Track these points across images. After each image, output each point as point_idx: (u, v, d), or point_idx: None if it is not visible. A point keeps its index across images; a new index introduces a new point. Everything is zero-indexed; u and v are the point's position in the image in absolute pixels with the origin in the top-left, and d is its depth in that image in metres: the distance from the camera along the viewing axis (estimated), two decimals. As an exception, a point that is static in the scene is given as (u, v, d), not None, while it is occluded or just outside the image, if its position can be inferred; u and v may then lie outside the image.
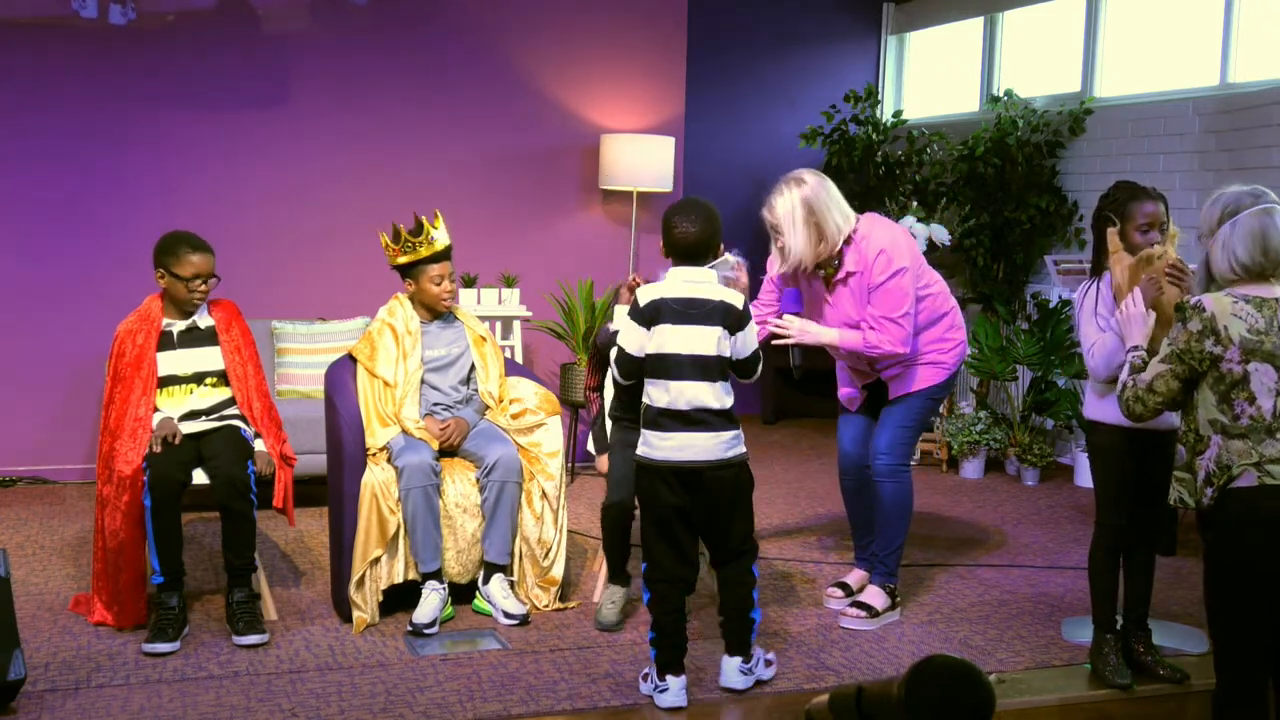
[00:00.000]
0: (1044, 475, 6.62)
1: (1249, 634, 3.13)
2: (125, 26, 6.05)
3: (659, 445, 3.59)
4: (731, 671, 3.72)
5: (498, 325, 6.35)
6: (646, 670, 3.73)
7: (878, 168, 7.48)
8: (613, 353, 3.67)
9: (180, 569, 4.10)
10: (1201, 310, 3.16)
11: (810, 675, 3.88)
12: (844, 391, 4.54)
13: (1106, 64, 6.87)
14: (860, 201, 7.49)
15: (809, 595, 4.64)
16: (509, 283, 6.49)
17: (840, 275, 4.19)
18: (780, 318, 4.19)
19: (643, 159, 6.77)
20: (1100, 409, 3.94)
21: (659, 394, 3.58)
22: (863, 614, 4.30)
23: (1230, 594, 3.15)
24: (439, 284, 4.45)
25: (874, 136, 7.55)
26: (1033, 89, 7.22)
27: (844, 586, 4.58)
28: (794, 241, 4.09)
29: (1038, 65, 7.42)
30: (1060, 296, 6.64)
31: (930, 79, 8.43)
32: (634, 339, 3.61)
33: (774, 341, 4.16)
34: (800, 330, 4.15)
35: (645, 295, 3.60)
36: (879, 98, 7.88)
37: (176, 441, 4.08)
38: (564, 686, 3.75)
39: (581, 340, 6.59)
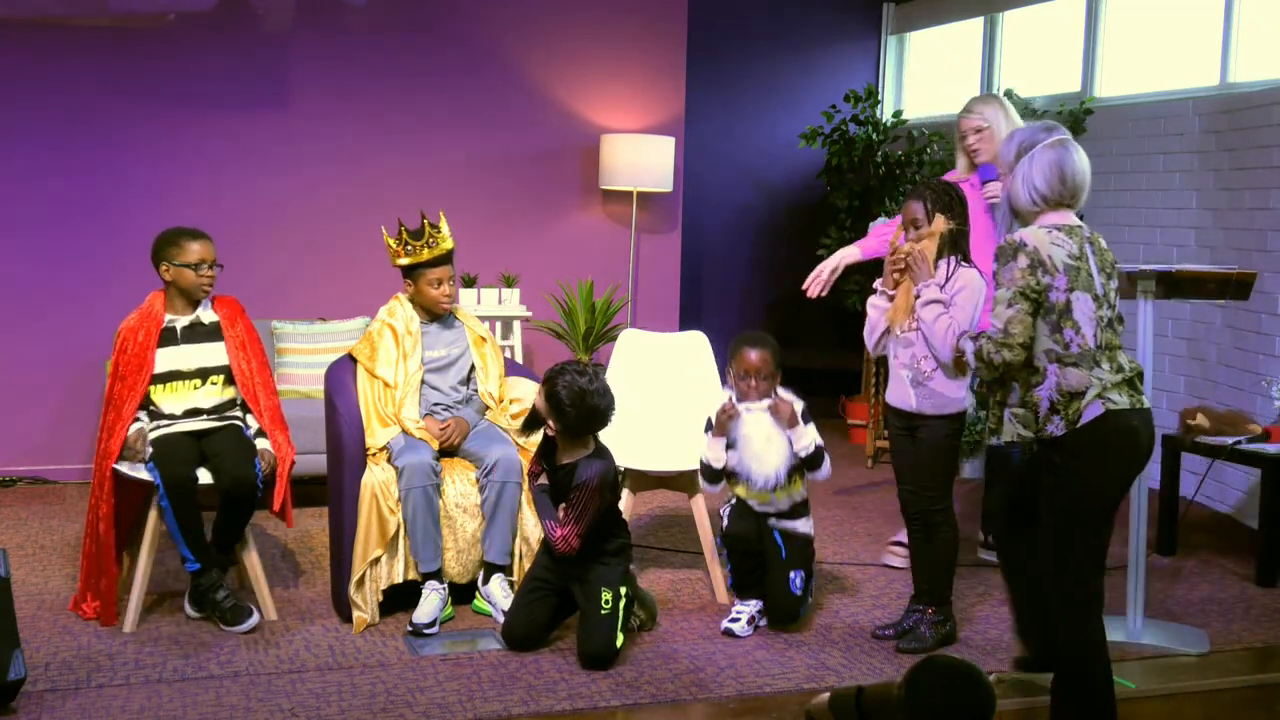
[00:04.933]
0: (1044, 475, 6.61)
1: (1101, 538, 3.40)
2: (124, 27, 6.06)
3: None
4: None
5: (498, 325, 6.36)
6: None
7: (878, 168, 7.48)
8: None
9: (209, 549, 4.16)
10: (1024, 245, 3.32)
11: (810, 675, 3.88)
12: None
13: (1106, 64, 6.87)
14: (860, 202, 7.50)
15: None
16: (509, 283, 6.49)
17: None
18: (983, 187, 4.81)
19: (643, 159, 6.77)
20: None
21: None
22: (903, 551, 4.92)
23: (1090, 507, 3.35)
24: (437, 287, 4.45)
25: (874, 136, 7.55)
26: (1033, 89, 7.21)
27: (902, 545, 4.96)
28: (999, 132, 4.77)
29: (1038, 65, 7.42)
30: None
31: (930, 79, 8.43)
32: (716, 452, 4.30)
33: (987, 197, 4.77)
34: (996, 189, 4.66)
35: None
36: (879, 98, 7.88)
37: (140, 448, 4.09)
38: (564, 686, 3.75)
39: (581, 340, 6.59)
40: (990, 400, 3.53)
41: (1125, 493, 3.46)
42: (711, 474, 4.29)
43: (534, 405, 4.08)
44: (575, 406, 3.95)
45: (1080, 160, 3.41)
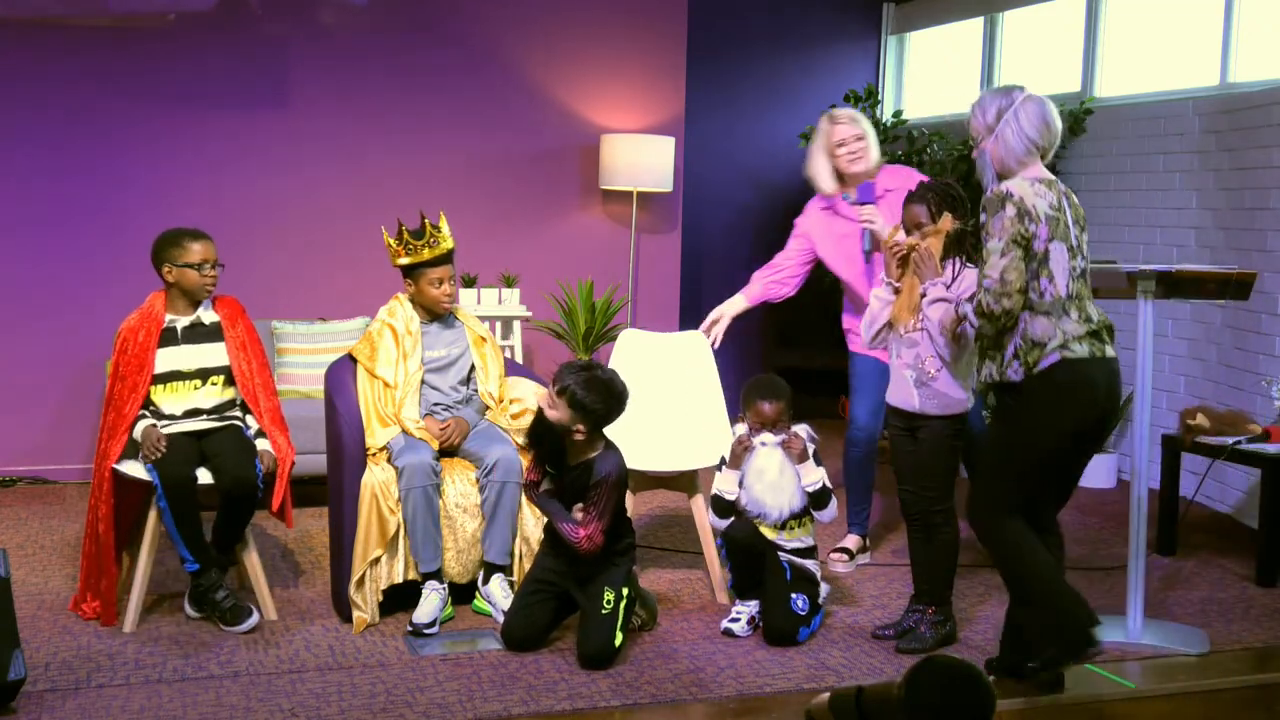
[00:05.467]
0: (1044, 475, 6.61)
1: (1047, 478, 3.64)
2: (124, 27, 6.07)
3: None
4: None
5: (498, 325, 6.36)
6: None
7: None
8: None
9: (208, 549, 4.16)
10: (1010, 195, 3.49)
11: (810, 675, 3.88)
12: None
13: (1106, 64, 6.87)
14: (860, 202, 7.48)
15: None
16: (509, 283, 6.49)
17: (880, 193, 4.83)
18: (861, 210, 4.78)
19: (643, 159, 6.78)
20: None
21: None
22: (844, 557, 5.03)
23: (1036, 450, 3.58)
24: (438, 287, 4.45)
25: (874, 136, 7.55)
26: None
27: (845, 551, 5.03)
28: (873, 143, 4.88)
29: (1038, 65, 7.42)
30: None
31: (930, 79, 8.43)
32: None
33: (863, 221, 4.74)
34: (873, 213, 4.73)
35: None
36: (879, 98, 7.88)
37: (163, 447, 4.08)
38: (564, 686, 3.75)
39: (581, 340, 6.59)
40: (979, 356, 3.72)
41: (1078, 443, 3.61)
42: (723, 507, 4.26)
43: (541, 419, 4.01)
44: (604, 399, 3.95)
45: (1054, 109, 3.70)
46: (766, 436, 4.19)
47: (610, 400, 3.97)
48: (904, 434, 4.13)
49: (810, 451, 4.21)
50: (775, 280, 5.02)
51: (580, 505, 4.01)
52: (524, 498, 4.32)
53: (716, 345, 4.89)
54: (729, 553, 4.25)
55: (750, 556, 4.21)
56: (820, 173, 4.93)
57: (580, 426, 3.96)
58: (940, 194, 4.01)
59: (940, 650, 4.06)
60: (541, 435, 4.03)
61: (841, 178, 4.89)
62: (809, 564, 4.28)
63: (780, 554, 4.23)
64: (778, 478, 4.19)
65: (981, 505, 3.69)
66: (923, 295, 3.96)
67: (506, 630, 4.04)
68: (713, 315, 4.93)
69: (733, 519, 4.25)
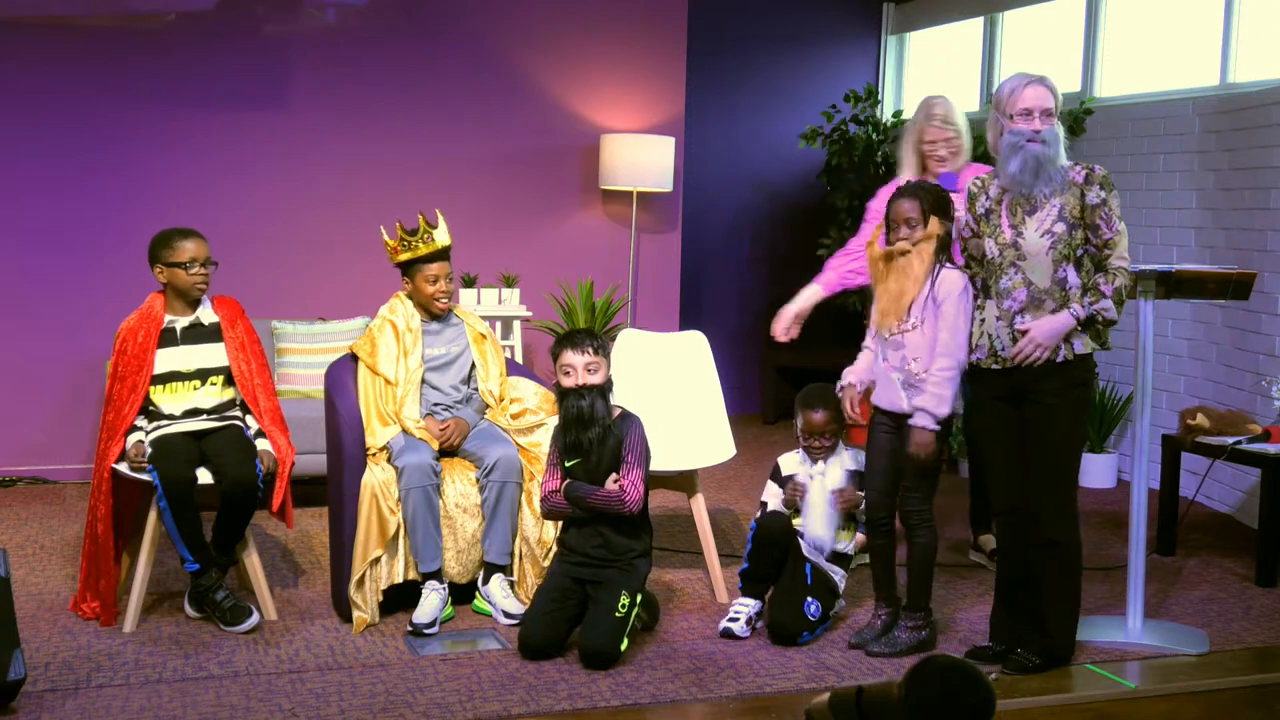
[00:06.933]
0: (1044, 475, 6.61)
1: None
2: (123, 27, 6.08)
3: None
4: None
5: (498, 325, 6.36)
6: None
7: (878, 168, 7.47)
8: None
9: (208, 549, 4.16)
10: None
11: (810, 675, 3.88)
12: None
13: (1106, 64, 6.87)
14: (860, 202, 7.48)
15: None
16: (509, 283, 6.50)
17: (959, 185, 4.61)
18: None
19: (643, 159, 6.78)
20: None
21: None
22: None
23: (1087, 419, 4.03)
24: (434, 283, 4.45)
25: (874, 136, 7.54)
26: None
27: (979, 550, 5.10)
28: (966, 145, 4.82)
29: (1038, 65, 7.41)
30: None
31: (930, 79, 8.43)
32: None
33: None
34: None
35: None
36: (879, 98, 7.88)
37: (143, 458, 4.08)
38: (564, 686, 3.75)
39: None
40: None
41: None
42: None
43: (576, 409, 4.04)
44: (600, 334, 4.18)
45: None
46: (825, 466, 4.30)
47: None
48: (890, 432, 4.11)
49: (856, 513, 4.29)
50: (852, 270, 4.83)
51: (615, 476, 4.04)
52: (523, 500, 4.32)
53: (794, 335, 4.80)
54: (755, 539, 4.25)
55: (777, 549, 4.21)
56: (905, 162, 4.84)
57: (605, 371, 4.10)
58: (930, 194, 3.98)
59: (931, 651, 4.06)
60: (582, 419, 4.03)
61: (925, 168, 4.79)
62: (835, 572, 4.29)
63: (809, 554, 4.25)
64: (823, 515, 4.27)
65: (1071, 517, 3.85)
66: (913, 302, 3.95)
67: (525, 638, 3.98)
68: (792, 308, 4.76)
69: (771, 510, 4.30)
